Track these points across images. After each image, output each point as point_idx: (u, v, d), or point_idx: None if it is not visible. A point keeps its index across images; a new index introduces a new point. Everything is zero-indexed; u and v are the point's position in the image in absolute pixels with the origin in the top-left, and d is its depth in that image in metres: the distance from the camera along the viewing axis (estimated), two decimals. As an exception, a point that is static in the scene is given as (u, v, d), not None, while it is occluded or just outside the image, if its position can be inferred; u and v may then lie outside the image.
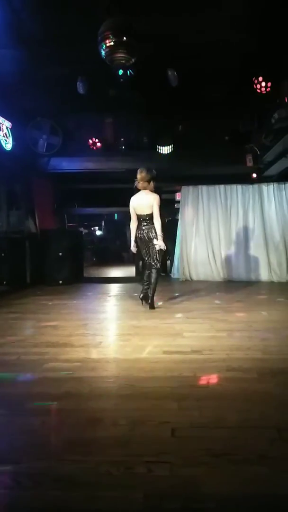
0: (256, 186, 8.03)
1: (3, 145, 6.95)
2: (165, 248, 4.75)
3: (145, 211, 4.67)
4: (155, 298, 4.85)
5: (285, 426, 1.79)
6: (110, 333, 3.84)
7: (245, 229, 8.00)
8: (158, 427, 1.82)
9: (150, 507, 1.30)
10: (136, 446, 1.66)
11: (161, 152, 7.92)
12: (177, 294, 6.09)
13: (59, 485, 1.42)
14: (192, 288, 6.82)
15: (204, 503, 1.31)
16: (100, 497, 1.35)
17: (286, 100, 5.65)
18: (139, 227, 4.77)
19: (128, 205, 4.83)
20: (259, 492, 1.36)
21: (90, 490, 1.39)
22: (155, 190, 4.79)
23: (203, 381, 2.37)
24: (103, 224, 19.75)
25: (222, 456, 1.56)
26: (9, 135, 7.13)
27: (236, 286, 7.16)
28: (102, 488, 1.40)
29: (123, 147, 8.21)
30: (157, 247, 4.64)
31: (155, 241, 4.63)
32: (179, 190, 8.46)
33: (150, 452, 1.60)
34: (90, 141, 8.08)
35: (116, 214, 17.95)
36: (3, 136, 6.96)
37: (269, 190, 7.95)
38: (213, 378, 2.41)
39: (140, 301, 4.94)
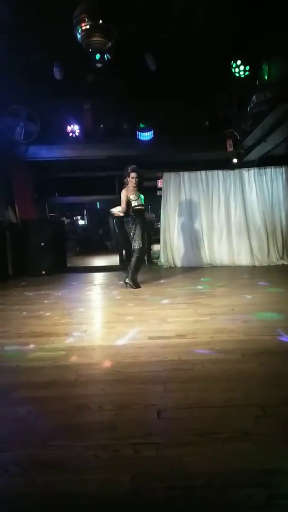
0: (237, 171, 8.07)
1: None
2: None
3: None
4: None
5: (269, 403, 1.83)
6: (95, 321, 3.83)
7: (227, 214, 8.06)
8: (144, 410, 1.84)
9: (138, 488, 1.31)
10: (123, 429, 1.67)
11: (142, 138, 7.85)
12: (161, 281, 6.11)
13: (47, 471, 1.43)
14: (176, 275, 6.86)
15: (191, 481, 1.33)
16: (88, 480, 1.36)
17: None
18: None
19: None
20: (246, 468, 1.39)
21: (78, 474, 1.40)
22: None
23: (187, 364, 2.40)
24: (85, 213, 19.56)
25: (208, 435, 1.59)
26: (-15, 124, 6.93)
27: (219, 271, 7.24)
28: (90, 471, 1.41)
29: (102, 133, 8.08)
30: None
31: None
32: (160, 177, 8.42)
33: (136, 435, 1.62)
34: (69, 128, 7.93)
35: (98, 203, 17.80)
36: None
37: (250, 175, 8.03)
38: (198, 361, 2.44)
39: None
